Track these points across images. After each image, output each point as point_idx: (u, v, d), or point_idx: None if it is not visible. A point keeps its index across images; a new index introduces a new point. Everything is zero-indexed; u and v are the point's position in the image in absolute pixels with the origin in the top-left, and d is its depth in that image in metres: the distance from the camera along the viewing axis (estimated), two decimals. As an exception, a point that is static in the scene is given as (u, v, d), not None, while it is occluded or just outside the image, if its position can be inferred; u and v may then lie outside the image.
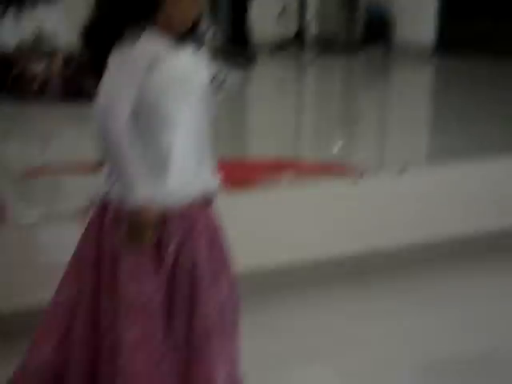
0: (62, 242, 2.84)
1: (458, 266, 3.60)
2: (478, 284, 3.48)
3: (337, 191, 3.47)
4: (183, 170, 2.05)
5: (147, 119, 2.00)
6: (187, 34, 2.03)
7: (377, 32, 6.51)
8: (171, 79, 1.97)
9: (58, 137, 4.23)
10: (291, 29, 6.78)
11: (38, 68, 4.28)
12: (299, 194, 3.43)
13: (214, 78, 5.63)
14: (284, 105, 5.36)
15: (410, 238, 3.59)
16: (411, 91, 5.46)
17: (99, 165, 2.11)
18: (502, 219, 3.80)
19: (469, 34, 6.40)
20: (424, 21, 6.40)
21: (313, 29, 6.62)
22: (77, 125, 4.31)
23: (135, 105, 1.96)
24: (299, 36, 6.43)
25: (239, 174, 3.67)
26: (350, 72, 6.45)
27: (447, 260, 3.63)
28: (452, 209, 3.69)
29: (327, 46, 6.52)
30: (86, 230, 2.13)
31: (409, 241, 3.58)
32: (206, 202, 2.12)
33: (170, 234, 2.04)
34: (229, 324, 2.15)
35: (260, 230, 3.28)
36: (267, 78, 6.03)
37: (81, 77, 4.30)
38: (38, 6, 4.29)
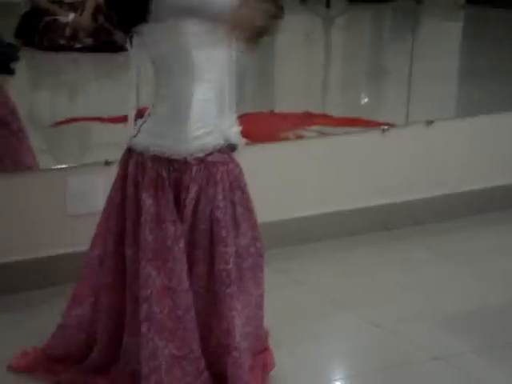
0: (92, 190, 2.89)
1: (488, 220, 3.61)
2: (508, 237, 3.48)
3: (364, 143, 3.47)
4: (204, 119, 2.08)
5: (174, 61, 2.04)
6: None
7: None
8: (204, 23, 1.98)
9: (88, 87, 4.25)
10: (320, -20, 6.68)
11: (68, 18, 4.28)
12: (326, 145, 3.44)
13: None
14: (311, 57, 5.32)
15: (438, 190, 3.59)
16: (442, 43, 5.39)
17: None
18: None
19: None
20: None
21: (342, -20, 6.54)
22: (106, 75, 4.33)
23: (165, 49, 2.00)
24: (328, -13, 6.34)
25: (265, 126, 3.67)
26: (379, 23, 6.38)
27: (476, 213, 3.64)
28: (480, 161, 3.69)
29: (356, -3, 6.44)
30: (114, 179, 2.18)
31: (437, 193, 3.58)
32: (227, 150, 2.14)
33: (190, 179, 2.08)
34: (251, 269, 2.17)
35: (286, 182, 3.30)
36: (295, 30, 5.98)
37: (110, 28, 4.31)
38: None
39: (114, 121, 3.38)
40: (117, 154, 2.99)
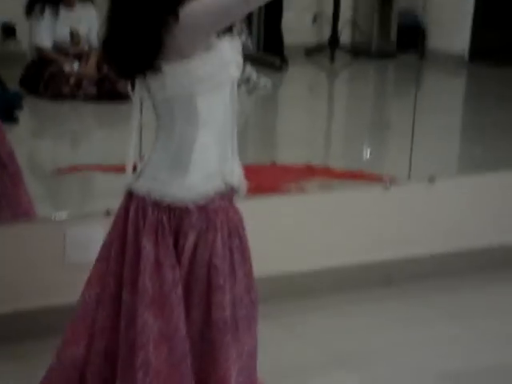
0: (91, 240, 2.87)
1: (490, 277, 3.58)
2: (509, 295, 3.45)
3: (366, 198, 3.46)
4: (205, 164, 2.06)
5: (177, 106, 2.01)
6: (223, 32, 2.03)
7: (410, 39, 6.45)
8: (210, 67, 1.98)
9: (90, 136, 4.27)
10: (325, 34, 6.75)
11: (72, 68, 4.31)
12: (328, 199, 3.43)
13: (247, 80, 5.64)
14: (315, 110, 5.34)
15: (440, 247, 3.58)
16: (444, 99, 5.42)
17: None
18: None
19: (504, 43, 6.34)
20: (458, 29, 6.34)
21: (346, 35, 6.60)
22: (109, 124, 4.34)
23: (169, 92, 1.98)
24: (332, 42, 6.40)
25: (268, 178, 3.66)
26: (383, 78, 6.42)
27: (478, 270, 3.61)
28: (483, 219, 3.67)
29: (360, 52, 6.49)
30: (113, 221, 2.16)
31: (439, 250, 3.57)
32: (228, 196, 2.12)
33: (189, 226, 2.05)
34: (245, 318, 2.14)
35: (287, 235, 3.28)
36: (299, 83, 6.02)
37: (114, 77, 4.34)
38: (73, 7, 4.32)
39: (116, 170, 3.37)
40: (118, 204, 2.99)
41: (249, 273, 2.16)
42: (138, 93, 2.05)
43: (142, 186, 2.08)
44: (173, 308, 2.05)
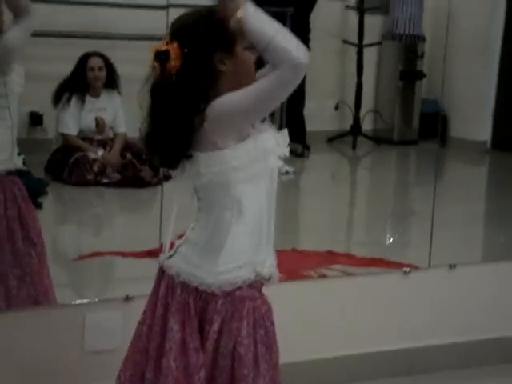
0: (111, 326, 2.87)
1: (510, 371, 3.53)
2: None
3: (386, 284, 3.45)
4: (237, 253, 2.06)
5: (216, 194, 2.05)
6: None
7: (432, 126, 6.51)
8: (248, 160, 2.00)
9: (112, 222, 4.31)
10: (347, 122, 6.84)
11: (97, 154, 4.39)
12: (348, 285, 3.42)
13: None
14: (337, 196, 5.37)
15: (462, 336, 3.53)
16: (466, 187, 5.44)
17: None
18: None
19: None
20: (480, 117, 6.39)
21: (368, 122, 6.67)
22: (132, 210, 4.39)
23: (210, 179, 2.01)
24: (354, 129, 6.47)
25: (290, 263, 3.67)
26: (405, 166, 6.46)
27: (501, 361, 3.56)
28: (504, 308, 3.63)
29: (382, 139, 6.55)
30: (148, 297, 2.19)
31: (460, 339, 3.52)
32: (257, 285, 2.11)
33: (215, 312, 2.05)
34: None
35: (307, 322, 3.26)
36: (321, 170, 6.07)
37: (137, 164, 4.42)
38: (99, 96, 4.43)
39: (137, 255, 3.40)
40: (137, 290, 3.00)
41: (274, 366, 2.13)
42: (177, 179, 2.09)
43: (173, 265, 2.10)
44: None
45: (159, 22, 3.09)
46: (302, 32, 6.23)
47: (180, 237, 3.64)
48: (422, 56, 6.35)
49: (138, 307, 2.92)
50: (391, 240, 4.43)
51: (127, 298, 2.94)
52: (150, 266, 3.15)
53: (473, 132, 6.32)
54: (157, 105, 2.04)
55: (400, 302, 3.43)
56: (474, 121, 6.39)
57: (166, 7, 3.08)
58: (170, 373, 2.04)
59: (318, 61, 6.12)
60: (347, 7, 6.22)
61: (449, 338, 3.50)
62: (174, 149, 2.01)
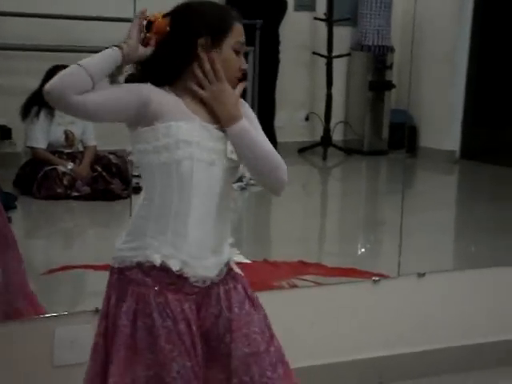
0: (80, 339, 2.86)
1: (481, 375, 3.55)
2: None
3: (356, 294, 3.46)
4: (136, 234, 2.10)
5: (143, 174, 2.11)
6: None
7: (402, 137, 6.57)
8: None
9: (83, 235, 4.30)
10: (317, 133, 6.88)
11: (66, 168, 4.38)
12: (319, 295, 3.43)
13: (240, 178, 5.67)
14: (308, 207, 5.39)
15: (431, 344, 3.56)
16: (435, 196, 5.48)
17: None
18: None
19: (494, 142, 6.45)
20: (449, 128, 6.45)
21: (338, 133, 6.71)
22: (101, 224, 4.38)
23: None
24: (325, 140, 6.50)
25: (261, 274, 3.67)
26: (375, 176, 6.50)
27: (469, 368, 3.58)
28: (472, 315, 3.66)
29: (352, 149, 6.59)
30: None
31: (429, 347, 3.55)
32: (158, 274, 2.09)
33: (111, 286, 2.14)
34: None
35: (277, 331, 3.25)
36: (292, 181, 6.07)
37: (107, 177, 4.42)
38: (68, 109, 4.42)
39: (108, 268, 3.39)
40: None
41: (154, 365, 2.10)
42: None
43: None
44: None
45: (125, 35, 3.10)
46: (271, 44, 6.30)
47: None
48: (391, 67, 6.41)
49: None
50: (361, 250, 4.45)
51: (97, 311, 2.92)
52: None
53: (442, 142, 6.38)
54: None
55: (370, 310, 3.44)
56: (442, 130, 6.45)
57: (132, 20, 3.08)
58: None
59: (288, 72, 6.15)
60: (316, 19, 6.26)
61: (418, 345, 3.52)
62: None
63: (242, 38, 2.10)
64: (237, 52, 2.09)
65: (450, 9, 6.37)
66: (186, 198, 2.06)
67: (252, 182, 5.39)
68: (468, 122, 6.53)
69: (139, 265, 2.07)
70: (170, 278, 2.07)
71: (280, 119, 6.25)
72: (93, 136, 4.50)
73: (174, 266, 2.06)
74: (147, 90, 2.04)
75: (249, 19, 6.14)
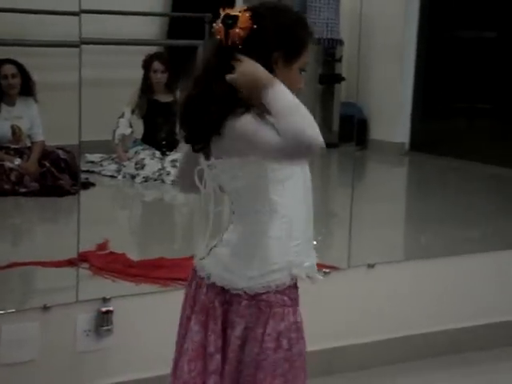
0: (28, 337, 2.83)
1: (431, 364, 3.59)
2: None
3: (306, 286, 3.46)
4: (274, 257, 1.98)
5: (251, 197, 1.97)
6: None
7: (352, 129, 6.61)
8: None
9: (31, 231, 4.25)
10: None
11: (14, 164, 4.34)
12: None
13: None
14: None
15: (380, 334, 3.58)
16: (385, 188, 5.53)
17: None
18: (473, 318, 3.80)
19: (442, 133, 6.53)
20: (398, 121, 6.51)
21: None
22: (50, 220, 4.34)
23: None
24: (276, 133, 6.52)
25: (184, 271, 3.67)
26: (325, 168, 6.52)
27: (418, 357, 3.62)
28: (422, 305, 3.70)
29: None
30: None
31: (378, 337, 3.57)
32: (290, 292, 2.04)
33: (238, 314, 1.97)
34: None
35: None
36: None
37: (56, 173, 4.38)
38: (14, 104, 4.38)
39: (56, 265, 3.36)
40: (56, 299, 2.97)
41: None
42: (208, 182, 1.99)
43: (205, 267, 2.00)
44: None
45: (72, 28, 3.08)
46: (220, 38, 6.25)
47: (101, 246, 3.63)
48: (341, 60, 6.43)
49: (57, 316, 2.91)
50: (312, 242, 4.46)
51: (45, 308, 2.89)
52: (69, 275, 3.13)
53: (391, 134, 6.43)
54: (209, 68, 1.94)
55: (320, 302, 3.45)
56: (392, 123, 6.51)
57: (78, 13, 3.05)
58: (182, 376, 2.00)
59: (238, 66, 6.15)
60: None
61: (368, 336, 3.55)
62: (208, 121, 1.90)
63: (309, 57, 2.00)
64: (301, 70, 2.00)
65: (398, 2, 6.43)
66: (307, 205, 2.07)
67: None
68: (417, 115, 6.60)
69: (278, 286, 1.99)
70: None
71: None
72: (41, 131, 4.46)
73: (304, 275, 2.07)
74: None
75: (198, 12, 6.16)
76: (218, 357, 1.97)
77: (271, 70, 1.91)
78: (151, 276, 3.40)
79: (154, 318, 3.06)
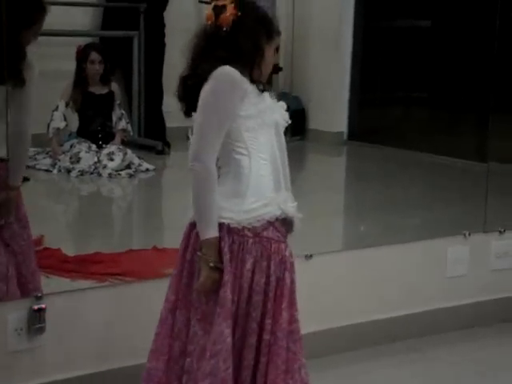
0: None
1: (370, 353, 3.61)
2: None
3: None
4: (261, 192, 2.35)
5: (231, 143, 2.35)
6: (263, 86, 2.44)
7: (292, 120, 6.54)
8: (255, 111, 2.35)
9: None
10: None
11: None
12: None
13: (128, 165, 5.56)
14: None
15: (317, 325, 3.58)
16: (324, 178, 5.54)
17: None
18: (409, 307, 3.82)
19: (378, 123, 6.58)
20: (336, 110, 6.52)
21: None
22: None
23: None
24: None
25: (151, 262, 3.65)
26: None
27: (357, 347, 3.64)
28: (360, 295, 3.72)
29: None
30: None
31: (314, 328, 3.57)
32: (282, 230, 2.41)
33: (247, 251, 2.31)
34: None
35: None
36: (182, 167, 6.03)
37: None
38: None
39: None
40: None
41: (290, 305, 2.44)
42: None
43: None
44: (221, 326, 2.27)
45: None
46: (156, 27, 6.20)
47: (35, 242, 3.56)
48: (278, 49, 6.41)
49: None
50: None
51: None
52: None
53: (330, 124, 6.45)
54: (199, 50, 2.38)
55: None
56: (330, 112, 6.52)
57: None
58: (200, 306, 2.32)
59: (174, 56, 6.06)
60: (201, 2, 6.20)
61: (306, 327, 3.53)
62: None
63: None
64: (276, 50, 2.43)
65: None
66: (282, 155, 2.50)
67: (141, 168, 5.34)
68: (354, 104, 6.63)
69: (271, 218, 2.36)
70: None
71: (168, 104, 6.17)
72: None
73: (291, 211, 2.44)
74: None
75: (133, 2, 6.05)
76: (230, 290, 2.30)
77: (258, 47, 2.36)
78: (87, 271, 3.38)
79: (87, 315, 3.02)
